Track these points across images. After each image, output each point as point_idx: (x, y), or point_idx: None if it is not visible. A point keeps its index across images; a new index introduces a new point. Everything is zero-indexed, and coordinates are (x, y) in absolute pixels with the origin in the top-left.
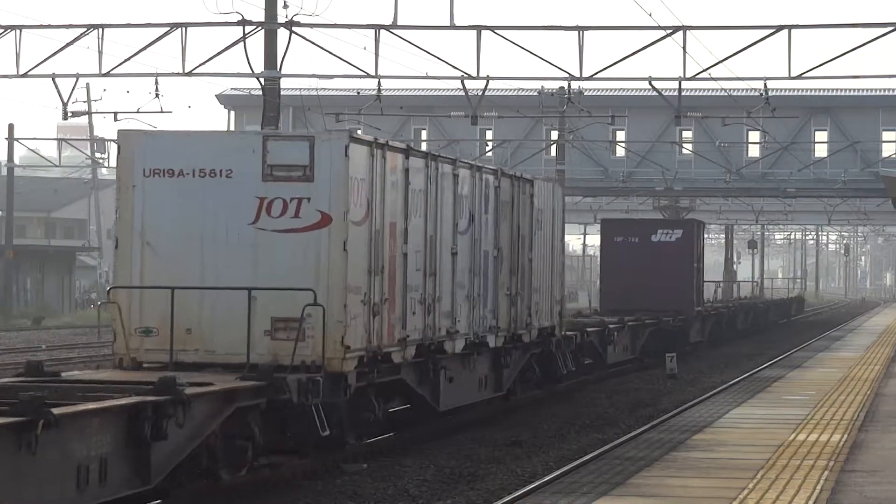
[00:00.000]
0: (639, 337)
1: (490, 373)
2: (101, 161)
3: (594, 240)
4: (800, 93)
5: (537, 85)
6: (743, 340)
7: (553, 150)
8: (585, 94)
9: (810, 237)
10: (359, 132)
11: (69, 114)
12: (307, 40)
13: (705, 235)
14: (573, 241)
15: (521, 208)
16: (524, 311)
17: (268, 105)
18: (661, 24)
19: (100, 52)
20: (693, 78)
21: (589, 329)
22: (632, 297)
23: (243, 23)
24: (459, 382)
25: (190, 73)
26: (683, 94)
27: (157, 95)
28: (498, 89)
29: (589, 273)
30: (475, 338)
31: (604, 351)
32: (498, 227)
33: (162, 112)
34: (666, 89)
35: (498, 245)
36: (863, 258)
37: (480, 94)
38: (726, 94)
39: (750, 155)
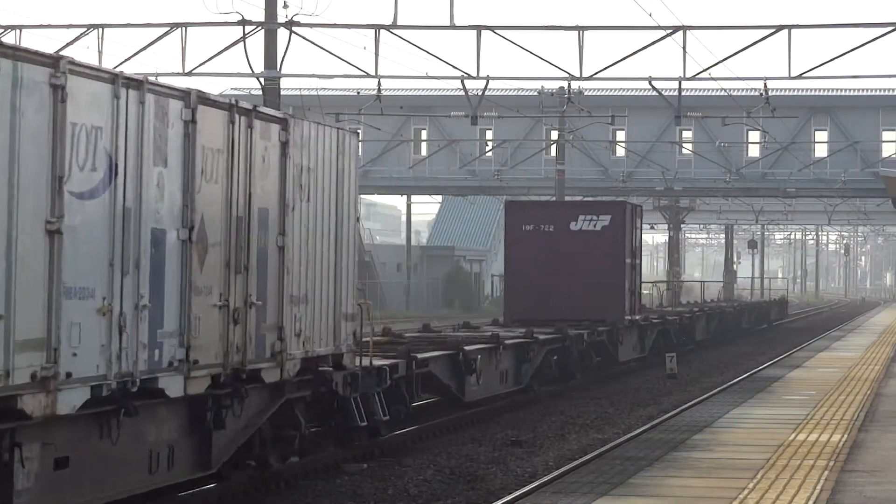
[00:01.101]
0: (529, 360)
1: (181, 440)
2: None
3: None
4: (800, 93)
5: (537, 85)
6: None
7: (553, 150)
8: (585, 94)
9: (810, 237)
10: None
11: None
12: (307, 40)
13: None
14: None
15: (257, 163)
16: (268, 334)
17: (268, 105)
18: (661, 24)
19: (100, 52)
20: (693, 78)
21: (424, 355)
22: (544, 304)
23: (243, 23)
24: (81, 467)
25: (190, 73)
26: (683, 94)
27: None
28: (498, 89)
29: None
30: (126, 383)
31: (460, 385)
32: (191, 190)
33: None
34: (666, 89)
35: (191, 222)
36: (863, 258)
37: (480, 94)
38: (726, 94)
39: (750, 155)
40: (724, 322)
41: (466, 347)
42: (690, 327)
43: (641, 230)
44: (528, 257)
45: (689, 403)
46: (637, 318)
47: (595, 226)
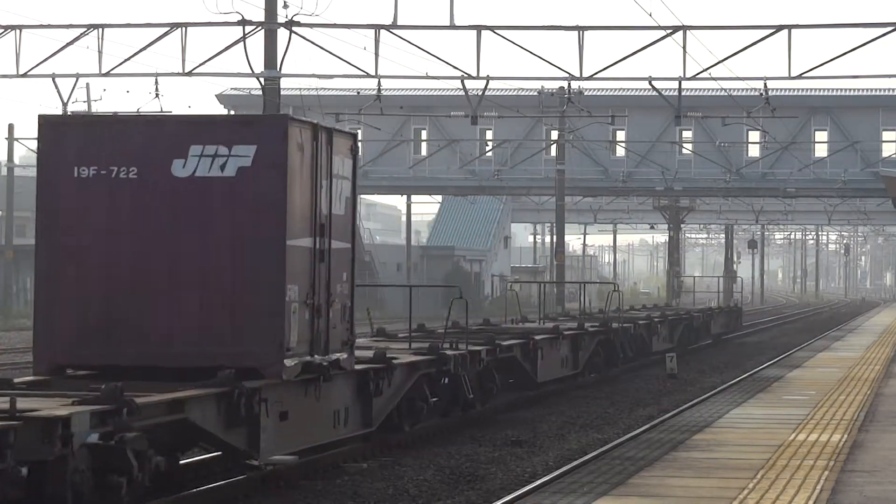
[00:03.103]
0: None
1: None
2: None
3: (594, 239)
4: (800, 93)
5: (537, 85)
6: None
7: (553, 150)
8: (585, 94)
9: (810, 237)
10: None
11: (69, 114)
12: (307, 40)
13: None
14: (573, 241)
15: None
16: None
17: (268, 105)
18: (661, 24)
19: (100, 52)
20: (693, 78)
21: None
22: (116, 334)
23: (243, 23)
24: None
25: (190, 73)
26: (683, 94)
27: (157, 95)
28: (498, 89)
29: (589, 274)
30: None
31: None
32: None
33: (162, 112)
34: (666, 89)
35: None
36: (863, 258)
37: (480, 94)
38: (726, 94)
39: (750, 155)
40: (609, 348)
41: None
42: (522, 364)
43: (354, 179)
44: (83, 235)
45: (689, 403)
46: (334, 358)
47: (223, 167)
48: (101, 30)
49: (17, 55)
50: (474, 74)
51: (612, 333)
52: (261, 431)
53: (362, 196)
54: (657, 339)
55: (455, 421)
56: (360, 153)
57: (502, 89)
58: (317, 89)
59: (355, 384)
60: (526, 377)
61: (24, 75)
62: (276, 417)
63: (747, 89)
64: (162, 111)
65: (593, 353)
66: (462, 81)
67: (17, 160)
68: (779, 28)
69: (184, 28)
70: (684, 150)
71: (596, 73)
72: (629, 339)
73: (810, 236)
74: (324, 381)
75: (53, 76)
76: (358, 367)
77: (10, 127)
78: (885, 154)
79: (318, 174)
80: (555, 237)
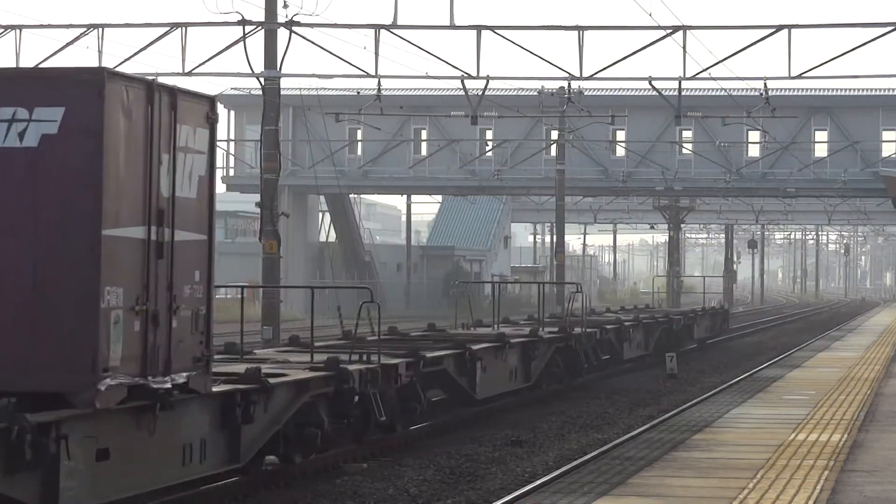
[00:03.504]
0: None
1: None
2: None
3: (594, 239)
4: (800, 93)
5: (537, 85)
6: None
7: (553, 150)
8: (585, 93)
9: (810, 237)
10: None
11: None
12: (307, 40)
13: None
14: (573, 241)
15: None
16: None
17: (268, 105)
18: (661, 24)
19: (100, 52)
20: (693, 78)
21: None
22: None
23: (243, 23)
24: None
25: (190, 73)
26: (683, 93)
27: None
28: (498, 89)
29: (589, 274)
30: None
31: None
32: None
33: None
34: (666, 89)
35: None
36: (863, 258)
37: (480, 93)
38: (726, 94)
39: (750, 155)
40: (569, 357)
41: None
42: (455, 378)
43: (213, 154)
44: None
45: (689, 403)
46: (180, 380)
47: (22, 135)
48: (101, 30)
49: (17, 55)
50: (474, 74)
51: (574, 340)
52: (60, 478)
53: (362, 196)
54: (629, 345)
55: (455, 421)
56: (218, 121)
57: (502, 89)
58: (317, 89)
59: (216, 410)
60: (462, 393)
61: None
62: (87, 458)
63: (747, 89)
64: None
65: (550, 362)
66: (462, 81)
67: None
68: (779, 28)
69: (184, 28)
70: (684, 150)
71: (596, 73)
72: (594, 345)
73: (810, 236)
74: (162, 408)
75: None
76: (221, 388)
77: None
78: (885, 154)
79: (155, 147)
80: (555, 237)
